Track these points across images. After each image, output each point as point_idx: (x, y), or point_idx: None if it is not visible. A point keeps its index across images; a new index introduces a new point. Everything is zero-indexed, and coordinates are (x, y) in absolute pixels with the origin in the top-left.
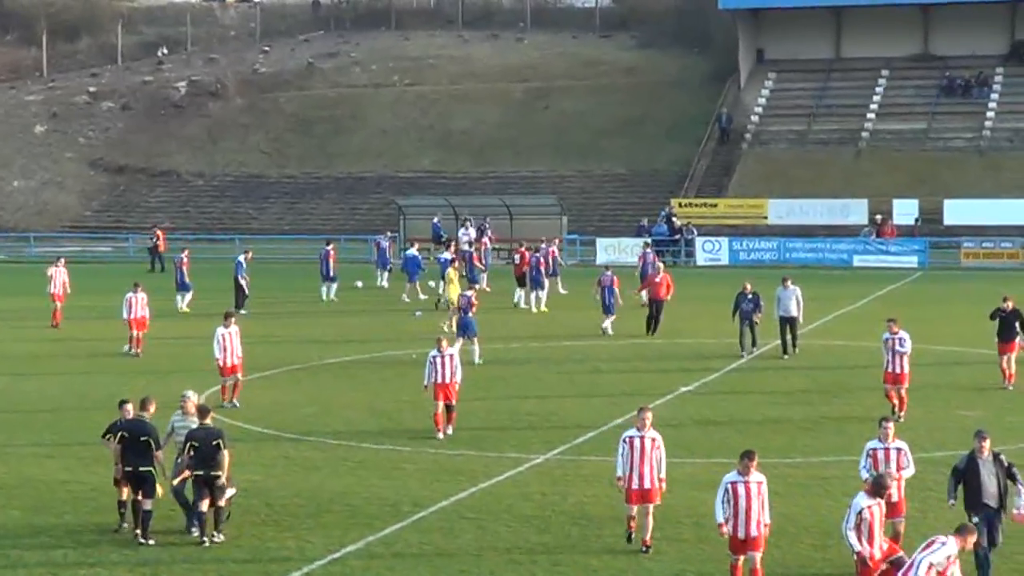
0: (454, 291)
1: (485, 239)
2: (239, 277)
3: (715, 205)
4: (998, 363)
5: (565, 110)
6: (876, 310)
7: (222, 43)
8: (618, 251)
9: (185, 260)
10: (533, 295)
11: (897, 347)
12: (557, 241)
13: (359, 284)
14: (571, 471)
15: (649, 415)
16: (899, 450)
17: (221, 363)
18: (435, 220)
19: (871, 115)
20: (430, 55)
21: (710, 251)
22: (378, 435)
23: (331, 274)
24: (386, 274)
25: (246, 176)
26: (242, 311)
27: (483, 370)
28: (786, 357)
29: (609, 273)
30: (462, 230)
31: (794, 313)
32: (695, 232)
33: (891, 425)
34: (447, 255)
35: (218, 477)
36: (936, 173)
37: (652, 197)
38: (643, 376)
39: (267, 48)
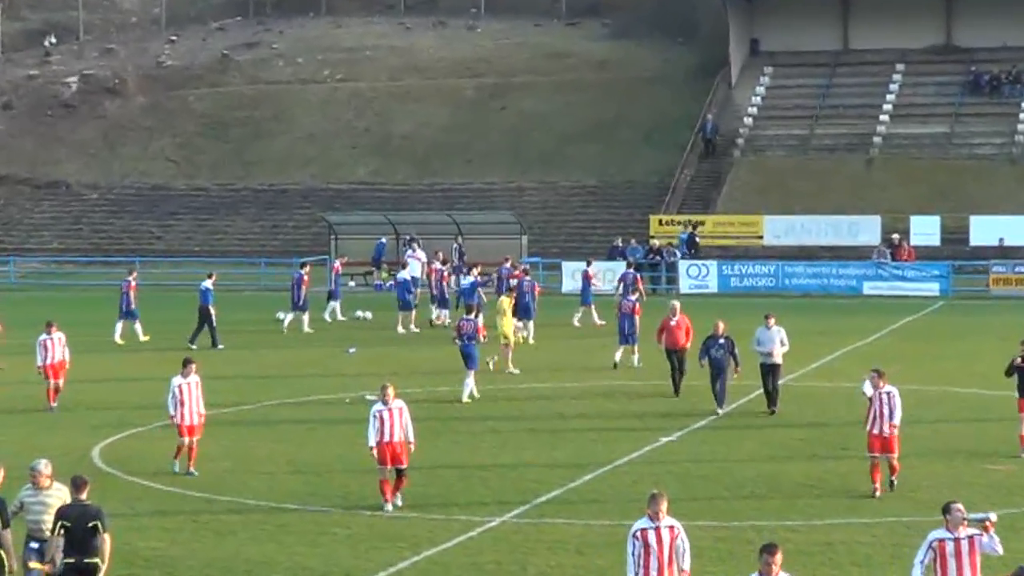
0: (508, 324)
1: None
2: (208, 307)
3: (701, 223)
4: (1019, 427)
5: (525, 111)
6: (890, 347)
7: (121, 31)
8: None
9: (132, 283)
10: (522, 325)
11: (884, 408)
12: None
13: (281, 316)
14: (531, 536)
15: (664, 502)
16: (971, 539)
17: (178, 421)
18: (382, 240)
19: (884, 117)
20: (367, 46)
21: (695, 277)
22: (304, 494)
23: (301, 302)
24: (334, 304)
25: (149, 188)
26: (219, 346)
27: (426, 415)
28: (774, 411)
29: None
30: (408, 252)
31: (778, 359)
32: (677, 254)
33: (959, 508)
34: (471, 279)
35: (96, 568)
36: (960, 185)
37: (627, 213)
38: (616, 424)
39: (174, 37)
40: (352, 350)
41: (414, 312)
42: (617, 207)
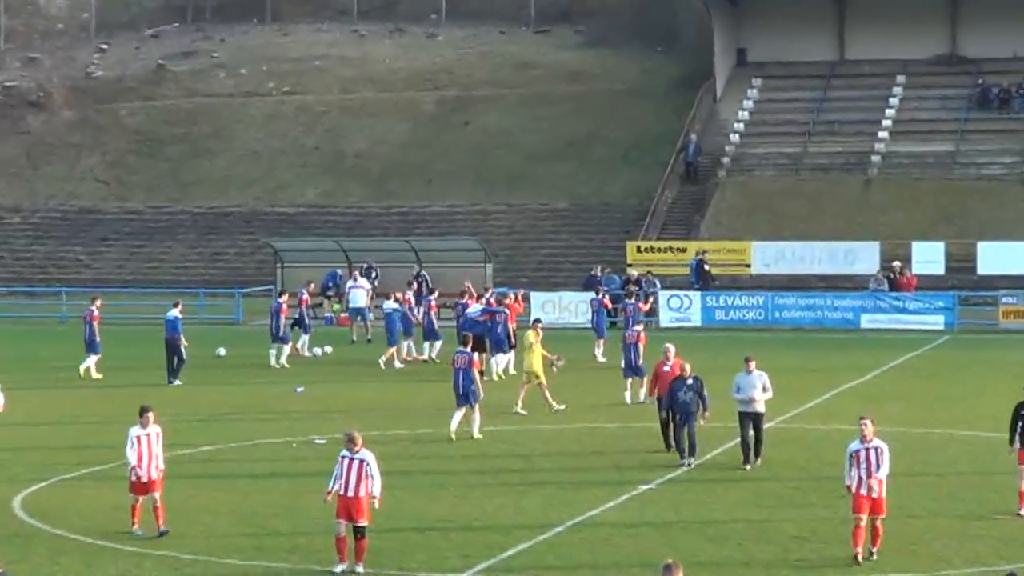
0: (538, 361)
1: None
2: (176, 337)
3: (683, 250)
4: (1017, 480)
5: (490, 127)
6: (890, 385)
7: (46, 39)
8: (559, 309)
9: (95, 313)
10: (495, 359)
11: (872, 465)
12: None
13: (222, 352)
14: None
15: (679, 573)
16: None
17: (136, 476)
18: (336, 271)
19: (883, 134)
20: (316, 55)
21: (677, 309)
22: (249, 549)
23: (281, 332)
24: (306, 338)
25: (76, 211)
26: (176, 381)
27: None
28: (748, 468)
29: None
30: (351, 283)
31: (760, 407)
32: (658, 284)
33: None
34: (477, 305)
35: None
36: (967, 208)
37: (602, 239)
38: (591, 468)
39: (104, 46)
40: (300, 389)
41: (411, 343)
42: (591, 232)
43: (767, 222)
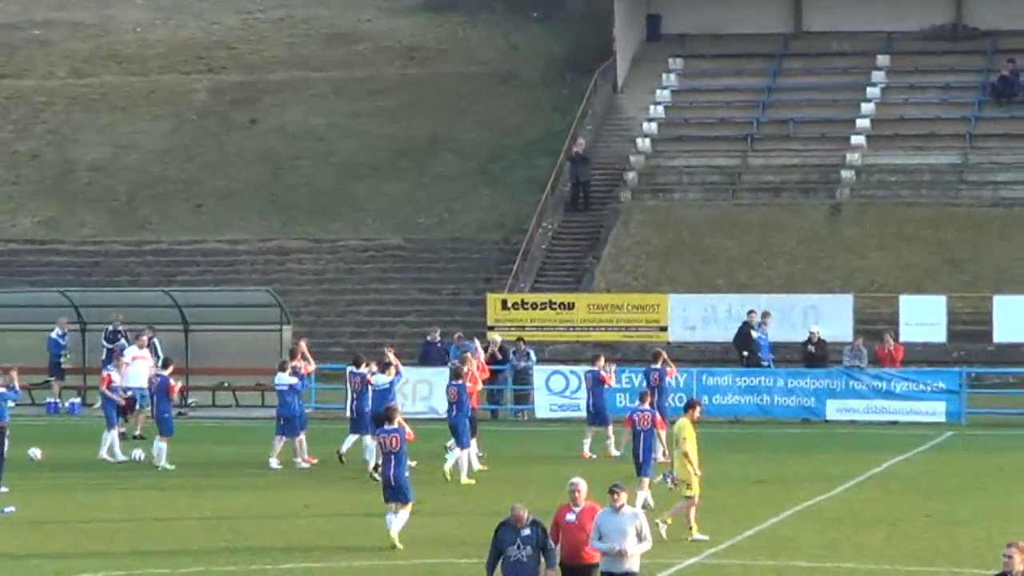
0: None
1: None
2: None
3: (570, 305)
4: None
5: (288, 127)
6: (869, 504)
7: None
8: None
9: None
10: (465, 452)
11: None
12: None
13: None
14: None
15: None
16: None
17: None
18: (111, 327)
19: (859, 138)
20: (34, 22)
21: (559, 392)
22: None
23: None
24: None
25: None
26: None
27: None
28: None
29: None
30: (131, 349)
31: (633, 565)
32: (532, 357)
33: None
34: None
35: None
36: (980, 246)
37: (452, 291)
38: None
39: None
40: (8, 510)
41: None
42: (434, 281)
43: (691, 266)
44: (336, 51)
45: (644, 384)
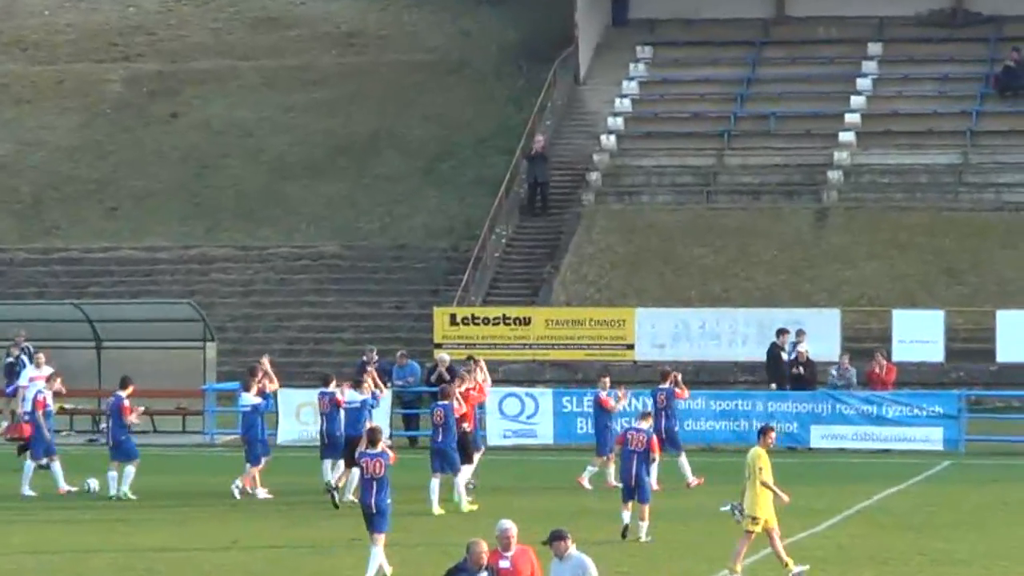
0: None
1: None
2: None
3: (526, 320)
4: None
5: (213, 122)
6: (857, 542)
7: None
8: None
9: None
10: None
11: None
12: None
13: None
14: None
15: None
16: None
17: None
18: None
19: (847, 135)
20: None
21: (515, 417)
22: None
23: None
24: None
25: None
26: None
27: None
28: None
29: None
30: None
31: None
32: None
33: None
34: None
35: None
36: (981, 255)
37: (394, 304)
38: None
39: None
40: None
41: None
42: (376, 293)
43: (660, 277)
44: (266, 37)
45: (651, 405)
